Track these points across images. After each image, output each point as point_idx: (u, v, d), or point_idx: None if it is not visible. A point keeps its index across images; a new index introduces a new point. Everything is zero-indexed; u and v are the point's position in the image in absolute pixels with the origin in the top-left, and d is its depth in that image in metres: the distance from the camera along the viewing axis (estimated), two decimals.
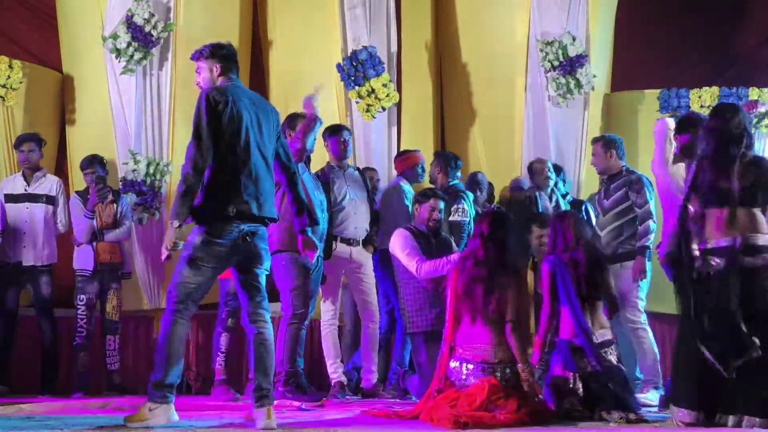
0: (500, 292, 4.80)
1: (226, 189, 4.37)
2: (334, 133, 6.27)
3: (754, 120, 7.63)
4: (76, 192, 6.83)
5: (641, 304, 5.99)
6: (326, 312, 6.22)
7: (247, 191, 4.39)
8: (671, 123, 5.56)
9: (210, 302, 6.75)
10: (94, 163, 6.71)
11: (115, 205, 6.72)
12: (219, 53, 4.61)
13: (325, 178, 6.14)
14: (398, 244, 5.89)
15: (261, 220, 4.48)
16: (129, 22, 7.17)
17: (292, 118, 5.95)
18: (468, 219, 6.33)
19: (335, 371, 6.23)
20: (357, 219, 6.22)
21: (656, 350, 5.97)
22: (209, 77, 4.59)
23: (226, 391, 6.14)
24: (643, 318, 5.98)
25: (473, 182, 6.97)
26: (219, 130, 4.36)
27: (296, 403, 5.44)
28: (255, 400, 4.37)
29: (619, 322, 5.84)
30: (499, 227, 4.96)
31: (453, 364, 4.81)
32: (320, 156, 6.47)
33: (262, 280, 4.52)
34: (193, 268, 4.34)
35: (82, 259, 6.61)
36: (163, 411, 4.28)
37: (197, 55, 4.66)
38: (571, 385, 4.78)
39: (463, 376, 4.75)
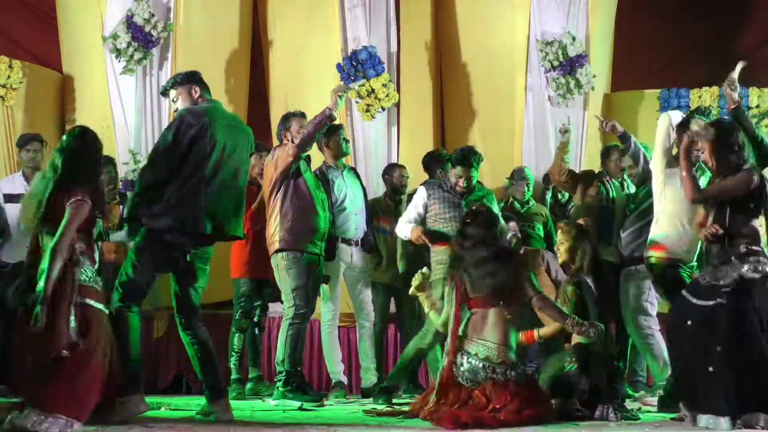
0: (508, 276, 4.79)
1: (184, 204, 4.52)
2: (335, 132, 6.27)
3: (753, 120, 7.63)
4: None
5: (651, 308, 5.84)
6: (326, 312, 6.22)
7: (204, 208, 4.55)
8: (675, 117, 5.46)
9: (209, 302, 6.76)
10: (107, 163, 6.70)
11: (121, 206, 6.72)
12: (195, 78, 4.81)
13: (323, 178, 6.14)
14: None
15: (214, 238, 4.67)
16: (129, 22, 7.18)
17: (286, 119, 5.96)
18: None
19: (336, 371, 6.24)
20: (357, 219, 6.22)
21: (666, 355, 5.85)
22: (190, 100, 4.76)
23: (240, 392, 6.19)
24: (653, 322, 5.82)
25: (520, 176, 6.98)
26: (186, 149, 4.52)
27: (296, 403, 5.44)
28: (211, 395, 4.59)
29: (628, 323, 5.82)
30: (474, 218, 4.98)
31: (458, 358, 4.77)
32: (321, 155, 6.48)
33: (195, 298, 4.70)
34: (136, 269, 4.54)
35: None
36: (135, 401, 4.43)
37: (172, 84, 4.83)
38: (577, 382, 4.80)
39: (464, 370, 4.72)
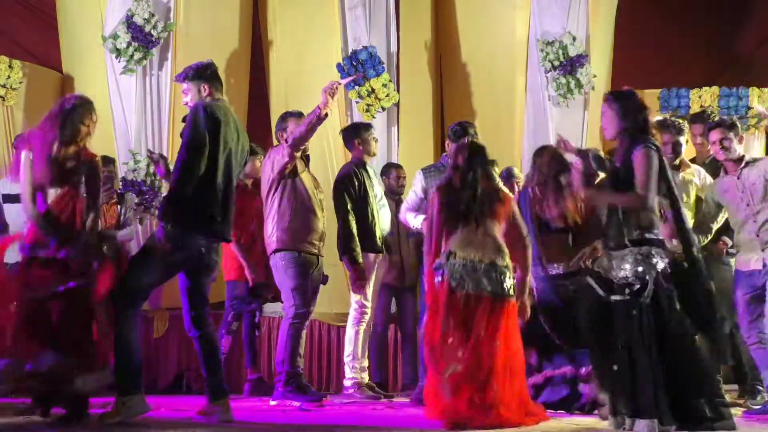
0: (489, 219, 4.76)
1: (203, 202, 4.51)
2: (367, 130, 6.30)
3: (751, 120, 7.64)
4: None
5: None
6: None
7: (218, 207, 4.55)
8: None
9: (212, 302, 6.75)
10: (109, 163, 6.69)
11: (119, 206, 6.72)
12: (205, 74, 4.76)
13: (362, 174, 6.11)
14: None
15: (221, 237, 4.65)
16: (129, 22, 7.17)
17: (284, 118, 5.95)
18: None
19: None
20: (388, 217, 6.25)
21: None
22: (198, 98, 4.72)
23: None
24: None
25: (510, 175, 7.00)
26: (210, 143, 4.50)
27: (296, 403, 5.44)
28: (211, 395, 4.58)
29: None
30: (477, 155, 4.93)
31: (440, 261, 4.71)
32: (320, 154, 6.47)
33: (207, 288, 4.71)
34: (146, 268, 4.51)
35: None
36: (136, 401, 4.46)
37: (183, 77, 4.79)
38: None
39: (455, 271, 4.64)
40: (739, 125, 5.47)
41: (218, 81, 4.81)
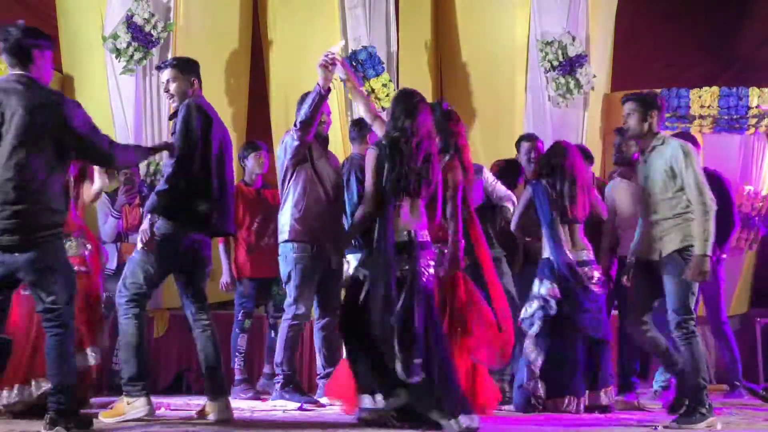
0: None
1: (194, 197, 4.52)
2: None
3: (751, 120, 7.64)
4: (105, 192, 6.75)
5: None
6: None
7: (213, 202, 4.55)
8: None
9: (209, 302, 6.74)
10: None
11: (141, 208, 6.71)
12: (195, 68, 4.73)
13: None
14: None
15: (214, 232, 4.70)
16: (129, 22, 7.17)
17: (304, 99, 5.83)
18: None
19: None
20: None
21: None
22: (184, 91, 4.67)
23: (247, 390, 6.15)
24: None
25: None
26: (203, 139, 4.53)
27: (296, 404, 5.43)
28: (210, 393, 4.59)
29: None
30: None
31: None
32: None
33: (204, 285, 4.71)
34: (150, 271, 4.52)
35: (106, 258, 6.58)
36: (142, 403, 4.47)
37: (172, 63, 4.74)
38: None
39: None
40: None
41: (200, 78, 4.80)
